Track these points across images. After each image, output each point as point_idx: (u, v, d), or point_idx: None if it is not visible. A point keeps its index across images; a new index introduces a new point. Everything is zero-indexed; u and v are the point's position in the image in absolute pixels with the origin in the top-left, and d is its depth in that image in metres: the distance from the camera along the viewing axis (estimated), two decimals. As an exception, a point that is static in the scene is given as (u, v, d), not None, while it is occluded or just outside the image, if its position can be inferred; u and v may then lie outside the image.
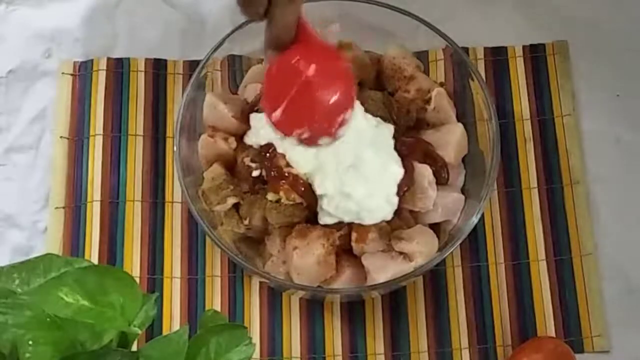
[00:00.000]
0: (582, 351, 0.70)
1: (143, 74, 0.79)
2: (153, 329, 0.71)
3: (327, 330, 0.72)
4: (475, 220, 0.66)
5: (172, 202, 0.75)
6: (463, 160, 0.72)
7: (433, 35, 0.71)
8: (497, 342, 0.71)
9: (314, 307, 0.72)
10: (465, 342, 0.71)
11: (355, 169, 0.65)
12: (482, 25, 0.81)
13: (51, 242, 0.74)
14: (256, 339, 0.71)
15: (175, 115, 0.73)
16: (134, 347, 0.52)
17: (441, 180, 0.69)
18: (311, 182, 0.66)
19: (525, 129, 0.77)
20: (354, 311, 0.72)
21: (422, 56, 0.75)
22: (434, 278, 0.73)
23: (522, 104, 0.78)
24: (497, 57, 0.80)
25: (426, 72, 0.75)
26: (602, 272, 0.73)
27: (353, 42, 0.73)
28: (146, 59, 0.80)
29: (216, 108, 0.70)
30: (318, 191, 0.65)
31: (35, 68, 0.81)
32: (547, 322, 0.71)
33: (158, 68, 0.79)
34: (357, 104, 0.67)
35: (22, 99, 0.80)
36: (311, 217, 0.67)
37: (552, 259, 0.73)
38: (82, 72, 0.79)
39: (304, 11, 0.63)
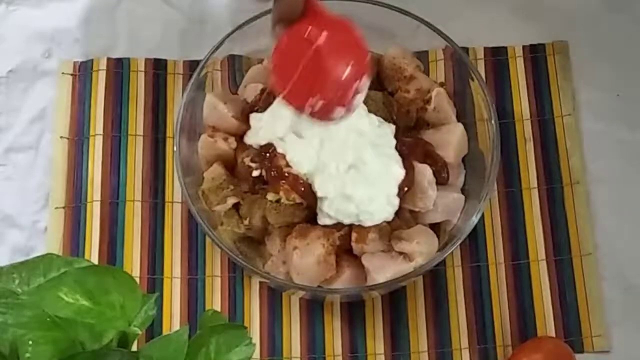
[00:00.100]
0: (582, 351, 0.70)
1: (143, 74, 0.79)
2: (153, 329, 0.71)
3: (327, 330, 0.72)
4: (475, 220, 0.66)
5: (172, 202, 0.75)
6: (463, 160, 0.72)
7: (433, 35, 0.71)
8: (497, 342, 0.71)
9: (314, 307, 0.72)
10: (465, 342, 0.71)
11: (357, 170, 0.65)
12: (482, 25, 0.81)
13: (51, 242, 0.74)
14: (256, 339, 0.71)
15: (175, 115, 0.73)
16: (134, 347, 0.52)
17: (441, 180, 0.69)
18: (311, 182, 0.66)
19: (525, 129, 0.77)
20: (354, 311, 0.72)
21: (422, 56, 0.75)
22: (434, 278, 0.73)
23: (522, 104, 0.78)
24: (497, 57, 0.80)
25: (426, 72, 0.75)
26: (602, 272, 0.73)
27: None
28: (146, 59, 0.80)
29: (216, 108, 0.70)
30: (318, 193, 0.65)
31: (35, 68, 0.80)
32: (547, 322, 0.71)
33: (158, 68, 0.79)
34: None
35: (22, 99, 0.80)
36: (311, 217, 0.67)
37: (552, 259, 0.73)
38: (82, 72, 0.79)
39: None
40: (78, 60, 0.80)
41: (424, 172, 0.67)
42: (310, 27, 0.60)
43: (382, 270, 0.65)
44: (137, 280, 0.70)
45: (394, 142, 0.68)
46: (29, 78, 0.80)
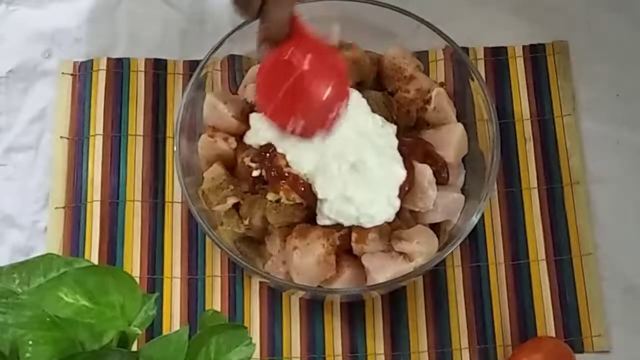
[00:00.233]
0: (582, 351, 0.70)
1: (143, 74, 0.79)
2: (153, 329, 0.71)
3: (327, 330, 0.72)
4: (475, 220, 0.66)
5: (172, 202, 0.75)
6: (463, 160, 0.72)
7: (433, 35, 0.71)
8: (497, 342, 0.71)
9: (314, 307, 0.72)
10: (465, 342, 0.71)
11: (358, 171, 0.65)
12: (482, 25, 0.81)
13: (51, 242, 0.74)
14: (256, 339, 0.71)
15: (175, 115, 0.73)
16: (134, 347, 0.52)
17: (441, 180, 0.69)
18: (311, 182, 0.66)
19: (525, 129, 0.77)
20: (354, 311, 0.72)
21: (422, 56, 0.75)
22: (434, 278, 0.73)
23: (522, 104, 0.78)
24: (497, 57, 0.80)
25: (426, 72, 0.75)
26: (602, 272, 0.73)
27: (354, 42, 0.73)
28: (146, 59, 0.80)
29: (216, 108, 0.70)
30: (319, 195, 0.65)
31: (35, 68, 0.81)
32: (547, 322, 0.71)
33: (158, 68, 0.79)
34: (364, 102, 0.67)
35: (22, 99, 0.80)
36: (311, 217, 0.67)
37: (552, 259, 0.73)
38: (82, 72, 0.79)
39: (304, 10, 0.63)
40: (78, 60, 0.80)
41: (424, 172, 0.67)
42: (294, 50, 0.62)
43: (382, 270, 0.65)
44: (137, 280, 0.70)
45: (395, 142, 0.68)
46: (29, 78, 0.80)
